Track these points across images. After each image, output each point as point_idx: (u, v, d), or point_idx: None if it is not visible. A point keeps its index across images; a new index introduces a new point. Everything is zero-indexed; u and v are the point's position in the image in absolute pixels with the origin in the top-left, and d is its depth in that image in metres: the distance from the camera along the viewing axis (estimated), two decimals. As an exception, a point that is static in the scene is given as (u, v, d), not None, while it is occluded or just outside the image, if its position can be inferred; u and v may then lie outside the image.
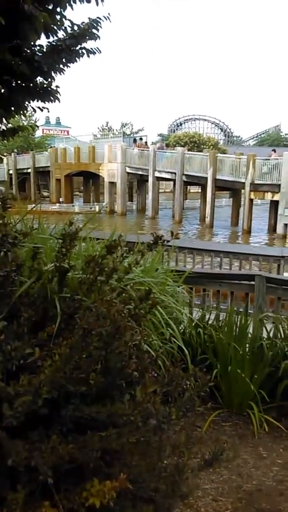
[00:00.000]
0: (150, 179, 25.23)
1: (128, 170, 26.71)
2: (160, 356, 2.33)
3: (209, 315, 3.99)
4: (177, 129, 62.04)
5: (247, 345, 3.42)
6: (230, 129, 67.40)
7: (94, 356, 1.59)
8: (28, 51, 4.71)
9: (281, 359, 3.34)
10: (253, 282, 3.88)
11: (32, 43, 4.43)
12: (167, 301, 3.30)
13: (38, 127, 39.27)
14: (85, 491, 1.61)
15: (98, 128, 55.20)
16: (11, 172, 37.66)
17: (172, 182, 25.80)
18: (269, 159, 20.60)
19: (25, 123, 33.83)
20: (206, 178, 22.40)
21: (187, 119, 67.23)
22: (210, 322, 3.89)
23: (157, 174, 25.12)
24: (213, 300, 4.38)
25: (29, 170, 36.03)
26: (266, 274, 4.19)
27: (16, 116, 5.65)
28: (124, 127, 56.24)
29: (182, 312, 3.50)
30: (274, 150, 24.68)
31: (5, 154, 35.91)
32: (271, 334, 3.67)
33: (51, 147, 36.70)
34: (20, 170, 37.26)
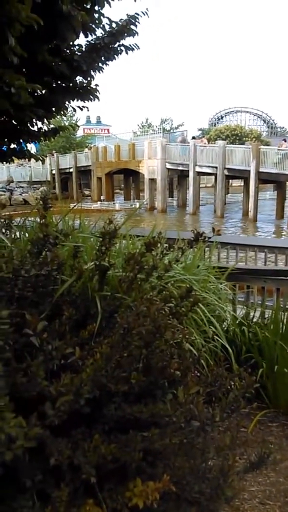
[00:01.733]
0: (191, 174, 25.01)
1: (168, 166, 26.59)
2: (202, 355, 2.29)
3: (253, 312, 3.89)
4: (218, 122, 61.06)
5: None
6: (273, 120, 65.50)
7: (135, 355, 1.58)
8: (67, 51, 4.75)
9: None
10: (299, 278, 3.74)
11: (71, 43, 4.46)
12: (209, 299, 3.24)
13: (79, 126, 39.91)
14: (128, 491, 1.60)
15: (138, 125, 55.30)
16: (53, 172, 38.56)
17: (213, 177, 25.44)
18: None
19: (66, 123, 34.54)
20: (249, 171, 21.91)
21: (228, 112, 66.00)
22: (255, 320, 3.78)
23: (198, 169, 24.85)
24: (258, 297, 4.26)
25: (71, 170, 36.74)
26: (314, 270, 4.03)
27: (57, 116, 5.73)
28: (164, 123, 56.04)
29: (225, 309, 3.43)
30: (285, 140, 24.64)
31: (47, 154, 36.83)
32: None
33: (91, 146, 37.19)
34: (62, 170, 38.08)
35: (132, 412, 1.56)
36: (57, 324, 1.66)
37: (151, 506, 1.55)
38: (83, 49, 4.87)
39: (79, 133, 48.04)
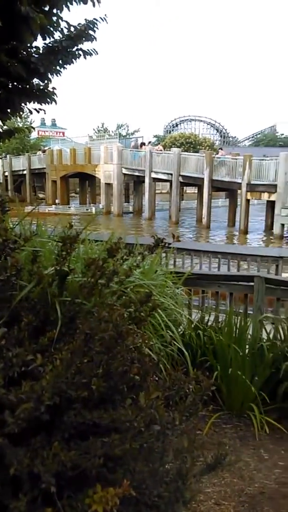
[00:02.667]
0: (147, 180, 25.23)
1: (124, 171, 26.69)
2: (161, 359, 2.32)
3: (208, 316, 3.98)
4: (173, 130, 62.05)
5: (247, 347, 3.41)
6: (226, 130, 67.48)
7: (96, 360, 1.58)
8: (25, 52, 4.69)
9: (281, 360, 3.33)
10: (252, 283, 3.87)
11: (28, 45, 4.40)
12: (167, 303, 3.29)
13: (34, 128, 39.17)
14: (88, 498, 1.59)
15: (94, 129, 55.18)
16: (6, 174, 37.59)
17: (168, 183, 25.79)
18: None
19: (21, 125, 33.75)
20: (203, 178, 22.42)
21: (183, 120, 67.28)
22: (209, 323, 3.87)
23: (153, 175, 25.12)
24: (212, 301, 4.37)
25: (24, 172, 35.96)
26: (265, 275, 4.18)
27: (12, 118, 5.62)
28: (120, 128, 56.24)
29: (182, 314, 3.49)
30: (221, 148, 28.30)
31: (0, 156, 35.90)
32: (271, 335, 3.66)
33: (46, 148, 36.63)
34: (15, 172, 37.20)
35: (92, 418, 1.56)
36: (16, 330, 1.63)
37: (111, 512, 1.54)
38: (41, 51, 4.83)
39: (33, 135, 47.16)
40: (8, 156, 37.40)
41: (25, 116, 37.80)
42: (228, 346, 3.36)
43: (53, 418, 1.62)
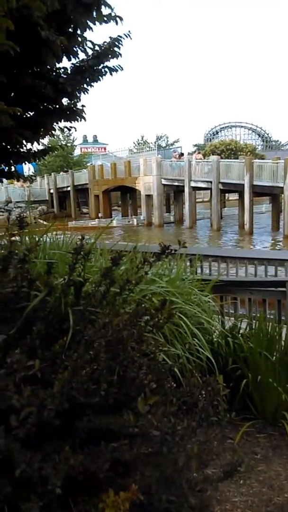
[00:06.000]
0: (186, 189, 25.23)
1: (163, 182, 26.84)
2: (178, 366, 2.32)
3: (240, 324, 3.92)
4: (213, 138, 61.69)
5: (279, 353, 3.32)
6: (268, 134, 66.23)
7: (103, 367, 1.62)
8: (53, 73, 4.88)
9: (315, 367, 3.22)
10: (284, 289, 3.78)
11: (55, 66, 4.59)
12: (193, 311, 3.28)
13: (68, 146, 40.26)
14: (102, 503, 1.63)
15: (134, 142, 55.96)
16: (51, 191, 38.88)
17: (209, 191, 25.65)
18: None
19: (64, 143, 34.93)
20: (243, 184, 22.11)
21: (223, 127, 66.73)
22: (242, 331, 3.81)
23: (193, 184, 25.07)
24: (244, 308, 4.30)
25: (68, 188, 37.05)
26: (297, 280, 4.07)
27: (53, 137, 5.85)
28: (159, 139, 56.68)
29: (209, 321, 3.46)
30: (199, 152, 31.06)
31: (45, 174, 37.22)
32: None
33: (88, 164, 37.60)
34: (60, 189, 38.41)
35: (100, 424, 1.59)
36: (28, 339, 1.71)
37: (123, 517, 1.57)
38: (68, 71, 5.01)
39: (77, 152, 48.58)
40: (53, 173, 38.72)
41: (67, 135, 39.15)
42: (259, 353, 3.30)
43: (65, 423, 1.67)
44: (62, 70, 5.01)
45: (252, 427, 3.23)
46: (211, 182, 23.80)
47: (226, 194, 31.47)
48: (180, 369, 2.74)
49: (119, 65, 5.22)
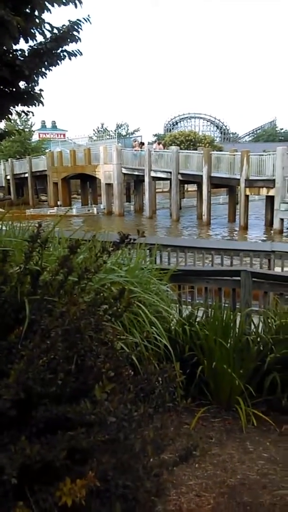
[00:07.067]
0: (146, 179, 25.25)
1: (124, 171, 26.72)
2: (136, 354, 2.34)
3: (197, 312, 4.00)
4: (173, 128, 61.97)
5: (233, 340, 3.42)
6: (226, 126, 67.33)
7: (60, 356, 1.61)
8: (9, 55, 4.72)
9: (267, 353, 3.35)
10: (239, 278, 3.89)
11: (11, 48, 4.44)
12: (152, 300, 3.31)
13: (25, 131, 39.15)
14: (58, 491, 1.63)
15: (94, 130, 55.24)
16: (8, 177, 37.76)
17: (169, 182, 25.81)
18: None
19: (21, 128, 33.91)
20: (201, 176, 22.41)
21: (182, 118, 67.18)
22: (198, 319, 3.89)
23: (153, 174, 25.13)
24: (201, 296, 4.39)
25: (26, 175, 36.11)
26: (251, 269, 4.20)
27: (5, 121, 5.67)
28: (120, 128, 56.26)
29: (169, 310, 3.51)
30: (142, 143, 29.44)
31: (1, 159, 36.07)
32: (259, 329, 3.67)
33: (47, 151, 36.75)
34: (17, 175, 37.35)
35: (57, 412, 1.59)
36: (-17, 328, 1.67)
37: (80, 504, 1.58)
38: (26, 54, 4.86)
39: (35, 137, 47.30)
40: (9, 159, 37.57)
41: (25, 120, 38.02)
42: (214, 341, 3.38)
43: (22, 413, 1.65)
44: (19, 52, 4.86)
45: (207, 412, 3.33)
46: (170, 172, 23.94)
47: (185, 185, 31.84)
48: (138, 357, 2.76)
49: (79, 50, 5.12)
